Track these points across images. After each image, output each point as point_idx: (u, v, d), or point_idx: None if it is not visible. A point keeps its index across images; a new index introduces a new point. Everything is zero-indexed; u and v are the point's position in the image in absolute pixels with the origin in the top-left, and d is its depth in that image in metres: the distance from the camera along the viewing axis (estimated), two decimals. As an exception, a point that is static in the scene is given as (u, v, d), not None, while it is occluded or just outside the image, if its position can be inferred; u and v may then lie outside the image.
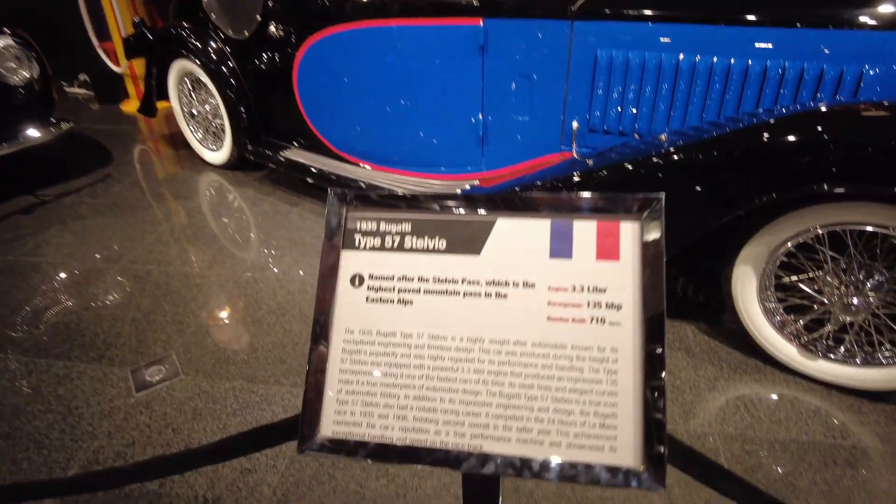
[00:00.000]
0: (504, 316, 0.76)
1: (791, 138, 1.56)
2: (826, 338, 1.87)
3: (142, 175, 3.79)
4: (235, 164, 3.63)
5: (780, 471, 1.65)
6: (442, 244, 0.78)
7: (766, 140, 1.61)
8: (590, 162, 2.24)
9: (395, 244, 0.79)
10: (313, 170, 2.99)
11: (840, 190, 1.52)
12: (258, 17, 2.97)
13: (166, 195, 3.49)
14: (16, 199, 3.48)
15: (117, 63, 5.05)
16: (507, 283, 0.76)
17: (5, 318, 2.42)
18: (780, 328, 1.92)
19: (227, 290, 2.54)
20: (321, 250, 0.79)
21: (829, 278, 1.80)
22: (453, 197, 0.78)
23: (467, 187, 2.64)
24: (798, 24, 1.93)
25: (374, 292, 0.79)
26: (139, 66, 5.06)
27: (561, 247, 0.76)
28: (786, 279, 1.88)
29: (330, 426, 0.79)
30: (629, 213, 0.75)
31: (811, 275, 1.83)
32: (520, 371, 0.75)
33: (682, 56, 2.13)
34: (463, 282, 0.77)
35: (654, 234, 0.74)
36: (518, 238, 0.77)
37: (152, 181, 3.70)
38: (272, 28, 2.93)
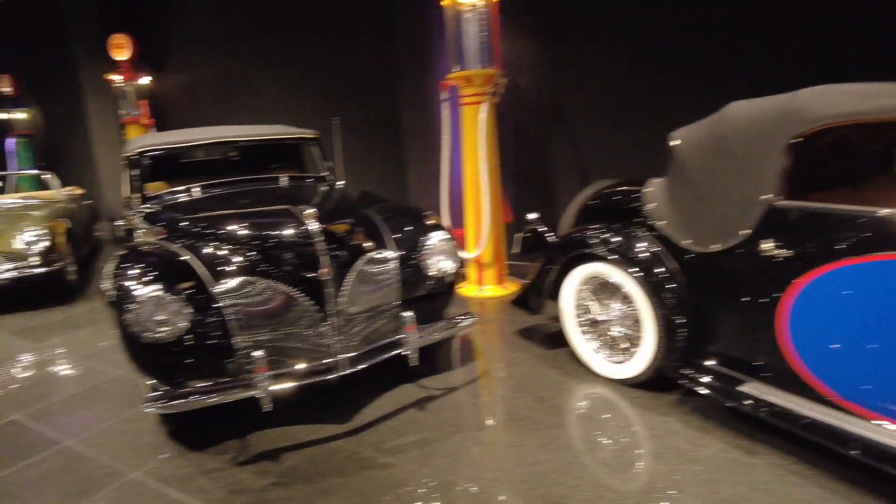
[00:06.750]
0: None
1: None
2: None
3: (520, 379, 3.45)
4: (639, 382, 3.13)
5: None
6: None
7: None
8: None
9: None
10: (794, 415, 2.36)
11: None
12: (747, 232, 2.56)
13: (567, 410, 3.05)
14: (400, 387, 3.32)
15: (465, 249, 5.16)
16: None
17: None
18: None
19: None
20: None
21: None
22: None
23: None
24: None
25: None
26: (485, 253, 5.11)
27: None
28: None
29: None
30: None
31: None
32: None
33: None
34: None
35: None
36: None
37: (537, 387, 3.32)
38: (764, 246, 2.49)
